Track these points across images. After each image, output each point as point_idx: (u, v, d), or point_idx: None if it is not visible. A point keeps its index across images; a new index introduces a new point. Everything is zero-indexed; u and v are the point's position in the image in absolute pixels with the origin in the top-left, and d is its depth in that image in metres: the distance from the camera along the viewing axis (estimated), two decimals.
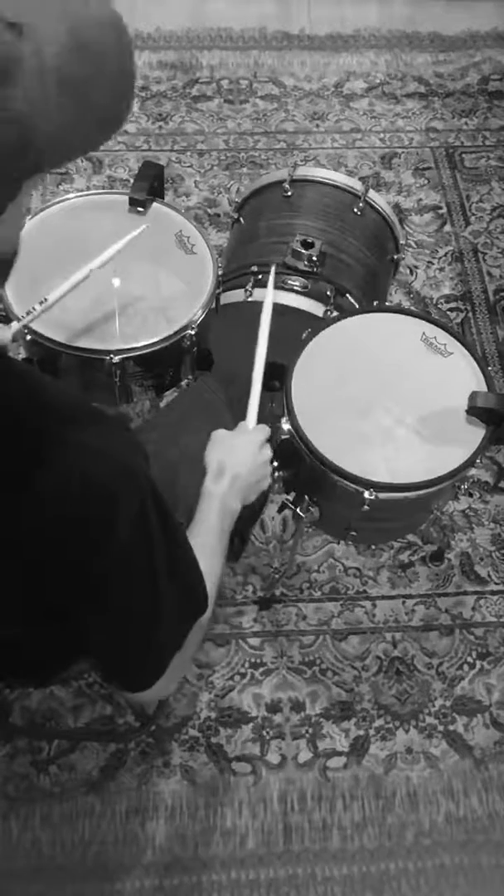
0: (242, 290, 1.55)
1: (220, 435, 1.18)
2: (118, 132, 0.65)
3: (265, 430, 1.20)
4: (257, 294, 1.54)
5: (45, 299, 1.30)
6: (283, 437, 1.27)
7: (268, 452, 1.18)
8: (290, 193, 1.68)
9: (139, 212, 1.50)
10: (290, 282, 1.56)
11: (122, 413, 1.00)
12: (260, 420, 1.21)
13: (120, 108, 0.66)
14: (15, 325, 1.31)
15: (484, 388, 1.33)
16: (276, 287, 1.55)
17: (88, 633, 0.88)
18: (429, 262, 2.19)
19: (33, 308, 1.30)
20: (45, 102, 0.58)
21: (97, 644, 0.90)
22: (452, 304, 2.13)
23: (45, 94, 0.58)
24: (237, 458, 1.13)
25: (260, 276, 1.55)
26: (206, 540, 1.05)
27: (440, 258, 2.20)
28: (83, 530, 0.77)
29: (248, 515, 1.17)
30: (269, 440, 1.19)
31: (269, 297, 1.29)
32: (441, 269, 2.18)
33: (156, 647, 0.89)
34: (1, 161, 0.59)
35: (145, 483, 0.81)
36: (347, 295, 1.58)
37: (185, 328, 1.37)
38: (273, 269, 1.36)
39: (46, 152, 0.62)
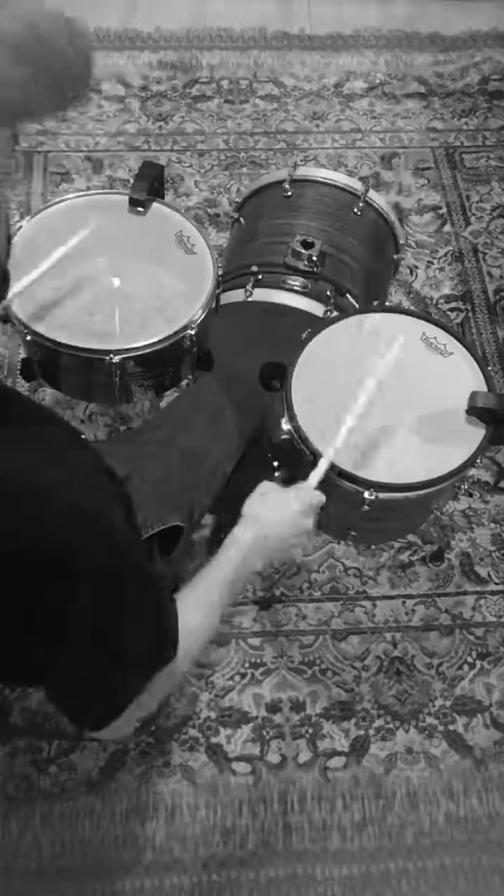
0: (242, 290, 1.55)
1: (267, 487, 1.12)
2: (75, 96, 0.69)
3: (316, 498, 1.12)
4: (257, 294, 1.54)
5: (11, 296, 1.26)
6: (283, 437, 1.27)
7: (309, 523, 1.11)
8: (290, 193, 1.68)
9: (139, 212, 1.50)
10: (290, 282, 1.56)
11: (93, 450, 0.96)
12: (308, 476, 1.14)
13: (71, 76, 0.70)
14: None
15: (484, 388, 1.33)
16: (276, 287, 1.56)
17: (43, 669, 0.86)
18: (429, 262, 2.19)
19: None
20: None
21: (50, 681, 0.88)
22: (452, 304, 2.13)
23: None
24: (275, 517, 1.08)
25: (260, 276, 1.55)
26: (208, 593, 1.02)
27: (440, 258, 2.20)
28: (36, 591, 0.75)
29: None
30: (321, 510, 1.12)
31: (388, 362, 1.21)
32: (441, 269, 2.18)
33: (111, 690, 0.87)
34: None
35: (115, 535, 0.78)
36: (347, 295, 1.58)
37: (185, 328, 1.36)
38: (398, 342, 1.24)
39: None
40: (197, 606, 0.98)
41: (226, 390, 1.45)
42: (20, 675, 0.99)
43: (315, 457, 1.23)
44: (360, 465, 1.25)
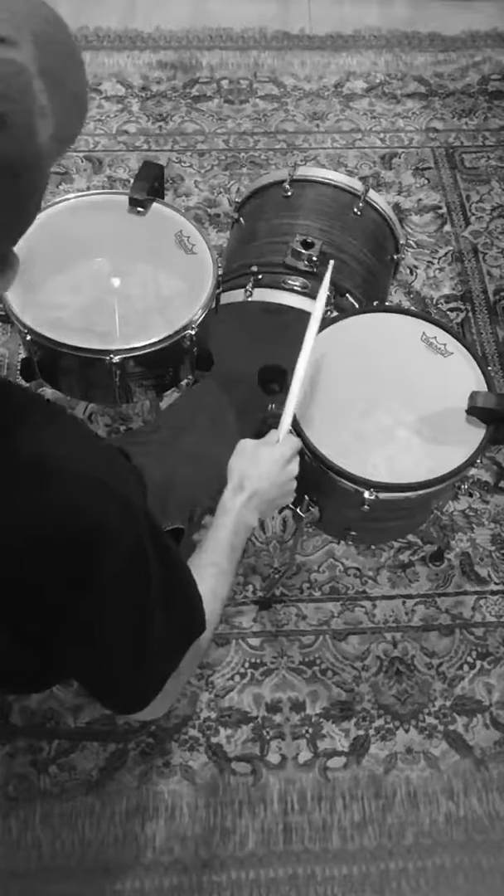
0: (242, 290, 1.55)
1: (245, 445, 1.13)
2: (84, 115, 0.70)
3: (294, 444, 1.14)
4: (257, 294, 1.54)
5: None
6: None
7: (294, 468, 1.12)
8: (290, 193, 1.68)
9: (139, 212, 1.50)
10: (290, 282, 1.56)
11: (115, 443, 0.96)
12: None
13: (85, 90, 0.70)
14: None
15: (484, 388, 1.33)
16: (276, 287, 1.56)
17: (73, 659, 0.85)
18: (429, 262, 2.19)
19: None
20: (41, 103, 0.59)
21: (82, 669, 0.87)
22: (452, 304, 2.13)
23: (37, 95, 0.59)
24: (260, 471, 1.09)
25: (260, 276, 1.55)
26: (215, 558, 1.02)
27: (440, 258, 2.20)
28: (63, 568, 0.73)
29: None
30: (319, 492, 1.14)
31: (322, 300, 1.22)
32: (441, 269, 2.18)
33: (148, 671, 0.86)
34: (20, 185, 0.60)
35: (140, 514, 0.77)
36: (347, 295, 1.58)
37: (185, 328, 1.37)
38: (330, 267, 1.30)
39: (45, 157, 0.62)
40: (205, 574, 0.98)
41: (226, 390, 1.45)
42: (51, 669, 0.99)
43: (313, 453, 1.23)
44: (358, 463, 1.25)
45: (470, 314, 2.12)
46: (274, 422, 1.17)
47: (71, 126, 0.65)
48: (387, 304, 1.86)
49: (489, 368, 1.64)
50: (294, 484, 1.13)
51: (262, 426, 1.43)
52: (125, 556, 0.76)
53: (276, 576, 1.74)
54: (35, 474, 0.71)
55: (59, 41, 0.63)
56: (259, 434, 1.16)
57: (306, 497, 1.34)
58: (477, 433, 1.29)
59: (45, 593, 0.75)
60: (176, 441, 1.33)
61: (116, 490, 0.75)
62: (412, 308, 2.05)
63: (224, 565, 1.03)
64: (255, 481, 1.08)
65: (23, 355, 1.46)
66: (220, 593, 1.01)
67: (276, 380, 1.57)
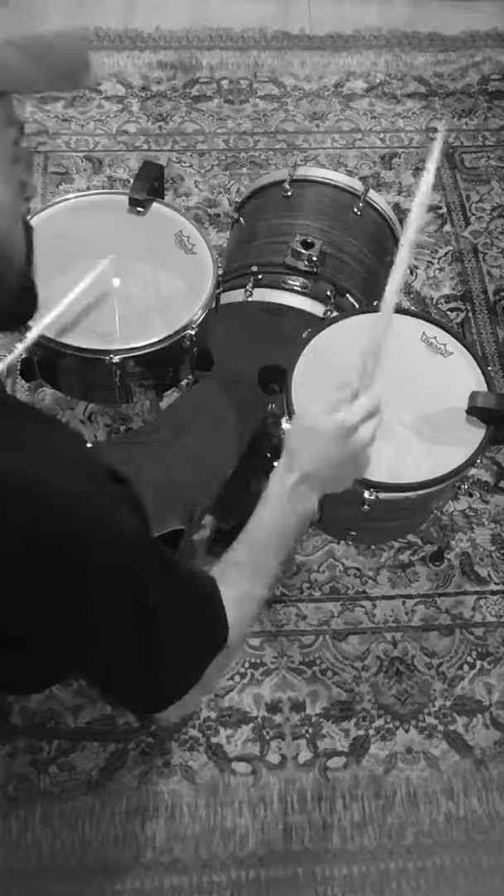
0: (242, 290, 1.55)
1: (303, 414, 0.97)
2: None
3: (366, 405, 0.94)
4: (257, 294, 1.54)
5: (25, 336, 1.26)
6: (284, 437, 1.27)
7: (364, 437, 0.94)
8: (290, 193, 1.68)
9: (139, 212, 1.50)
10: (290, 282, 1.56)
11: (89, 448, 0.92)
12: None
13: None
14: (6, 360, 1.28)
15: (484, 388, 1.33)
16: (276, 287, 1.56)
17: (78, 665, 0.84)
18: (429, 262, 2.19)
19: (14, 347, 1.27)
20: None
21: (89, 669, 0.86)
22: (452, 304, 2.13)
23: None
24: (314, 449, 0.93)
25: (260, 276, 1.55)
26: (245, 556, 0.93)
27: (440, 258, 2.20)
28: (47, 588, 0.73)
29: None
30: (374, 413, 0.96)
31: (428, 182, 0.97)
32: (441, 269, 2.18)
33: (161, 676, 0.84)
34: None
35: (111, 523, 0.76)
36: (347, 295, 1.58)
37: (185, 328, 1.37)
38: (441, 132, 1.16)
39: None
40: (234, 577, 0.90)
41: (226, 390, 1.45)
42: (55, 676, 0.98)
43: None
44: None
45: (470, 314, 2.12)
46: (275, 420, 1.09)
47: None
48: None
49: (489, 368, 1.64)
50: (366, 455, 0.97)
51: (262, 426, 1.43)
52: (105, 563, 0.75)
53: None
54: (16, 492, 0.70)
55: None
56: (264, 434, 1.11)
57: None
58: (477, 433, 1.29)
59: (41, 601, 0.74)
60: (176, 441, 1.32)
61: (89, 502, 0.74)
62: (412, 308, 2.05)
63: (257, 564, 0.92)
64: (306, 462, 0.94)
65: (23, 355, 1.46)
66: (251, 595, 0.91)
67: (276, 380, 1.57)
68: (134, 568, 0.77)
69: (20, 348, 1.25)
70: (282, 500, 0.94)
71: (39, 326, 1.26)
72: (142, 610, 0.79)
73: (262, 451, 1.40)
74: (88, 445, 0.98)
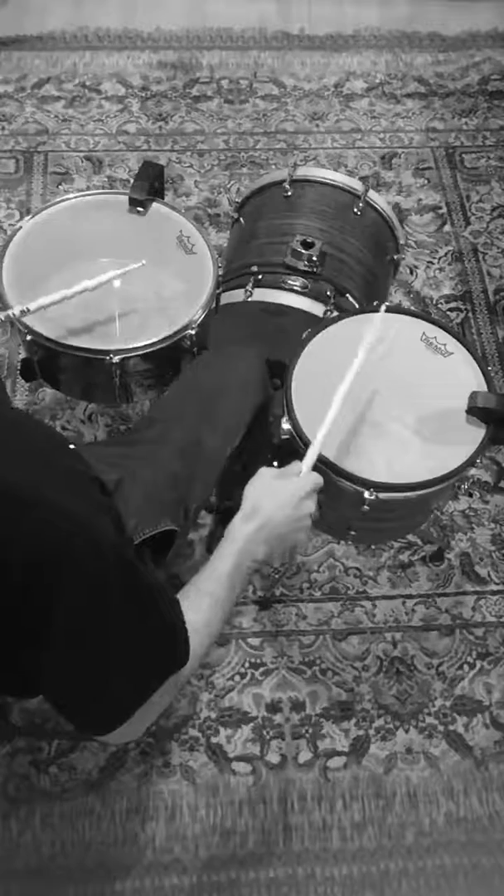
0: (242, 290, 1.55)
1: (264, 473, 1.09)
2: None
3: (315, 480, 1.10)
4: (257, 294, 1.54)
5: (28, 309, 1.27)
6: (284, 437, 1.27)
7: (311, 505, 1.08)
8: (290, 193, 1.68)
9: (139, 212, 1.50)
10: (290, 282, 1.56)
11: (78, 456, 0.95)
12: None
13: None
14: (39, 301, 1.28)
15: (484, 388, 1.33)
16: (276, 287, 1.56)
17: (36, 675, 0.85)
18: (429, 262, 2.19)
19: (12, 314, 1.28)
20: None
21: (47, 688, 0.87)
22: (452, 304, 2.13)
23: None
24: (275, 502, 1.05)
25: (260, 276, 1.55)
26: (211, 588, 0.99)
27: (440, 258, 2.20)
28: (24, 594, 0.75)
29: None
30: (319, 492, 1.10)
31: (364, 351, 1.19)
32: (441, 269, 2.18)
33: (112, 699, 0.86)
34: None
35: (90, 534, 0.78)
36: (347, 295, 1.58)
37: (185, 328, 1.37)
38: (384, 307, 1.35)
39: None
40: (199, 604, 0.96)
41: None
42: (16, 685, 0.99)
43: None
44: (358, 463, 1.25)
45: (470, 314, 2.12)
46: (289, 447, 1.14)
47: None
48: (387, 304, 1.86)
49: (489, 368, 1.64)
50: (308, 522, 1.08)
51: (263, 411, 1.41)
52: (80, 574, 0.76)
53: (277, 576, 1.74)
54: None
55: None
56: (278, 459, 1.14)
57: None
58: (477, 433, 1.30)
59: (7, 618, 0.76)
60: (168, 436, 1.30)
61: (67, 512, 0.76)
62: (412, 308, 2.05)
63: (221, 596, 0.99)
64: (267, 512, 1.04)
65: (23, 355, 1.46)
66: (213, 626, 0.98)
67: (276, 374, 1.57)
68: (107, 579, 0.79)
69: (46, 300, 1.27)
70: (243, 542, 1.02)
71: (53, 296, 1.28)
72: (100, 620, 0.81)
73: (261, 448, 1.39)
74: (72, 447, 0.99)
